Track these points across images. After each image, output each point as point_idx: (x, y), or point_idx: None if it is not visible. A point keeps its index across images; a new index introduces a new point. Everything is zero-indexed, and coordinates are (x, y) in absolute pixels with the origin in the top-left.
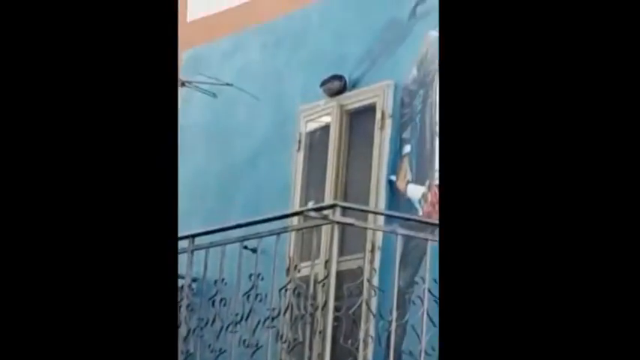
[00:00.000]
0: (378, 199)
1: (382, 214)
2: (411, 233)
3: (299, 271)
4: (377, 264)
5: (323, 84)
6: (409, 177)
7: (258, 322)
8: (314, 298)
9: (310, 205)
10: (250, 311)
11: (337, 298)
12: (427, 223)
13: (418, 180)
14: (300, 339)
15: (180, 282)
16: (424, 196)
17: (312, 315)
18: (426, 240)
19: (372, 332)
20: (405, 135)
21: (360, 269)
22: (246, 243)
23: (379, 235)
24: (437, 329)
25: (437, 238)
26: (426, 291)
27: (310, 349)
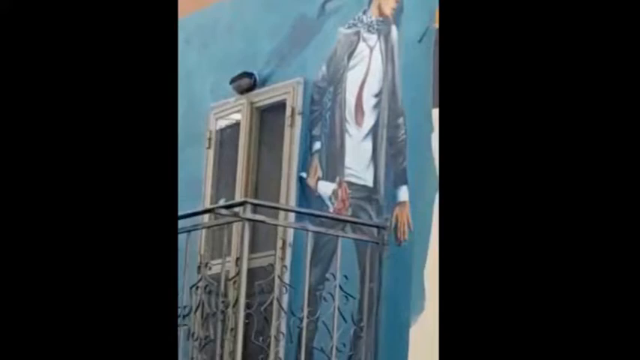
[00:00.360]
0: (289, 196)
1: (293, 210)
2: (322, 230)
3: (210, 269)
4: (288, 261)
5: (233, 81)
6: (319, 174)
7: None
8: (225, 295)
9: (221, 202)
10: None
11: (248, 295)
12: (338, 219)
13: (328, 177)
14: (212, 336)
15: None
16: (334, 192)
17: (224, 312)
18: (337, 236)
19: (283, 329)
20: (315, 132)
21: (271, 266)
22: None
23: (290, 232)
24: (348, 325)
25: (348, 235)
26: (337, 287)
27: (222, 346)
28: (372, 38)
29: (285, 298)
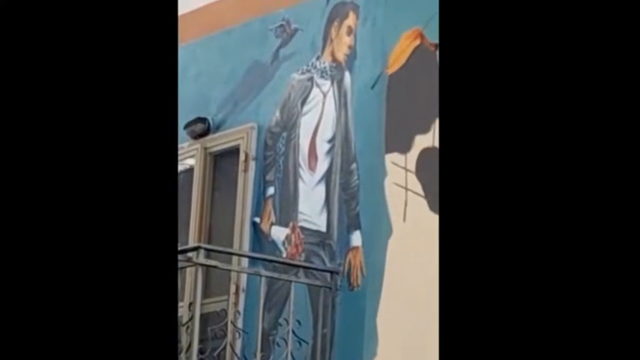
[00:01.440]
0: (242, 241)
1: (246, 256)
2: (275, 275)
3: None
4: (241, 306)
5: (186, 126)
6: (273, 219)
7: None
8: (178, 340)
9: None
10: None
11: (201, 340)
12: (291, 264)
13: (282, 222)
14: None
15: None
16: (288, 237)
17: (177, 357)
18: (290, 281)
19: None
20: (269, 177)
21: (225, 311)
22: None
23: (243, 277)
24: None
25: (301, 280)
26: (290, 332)
27: None
28: (326, 84)
29: (239, 344)
